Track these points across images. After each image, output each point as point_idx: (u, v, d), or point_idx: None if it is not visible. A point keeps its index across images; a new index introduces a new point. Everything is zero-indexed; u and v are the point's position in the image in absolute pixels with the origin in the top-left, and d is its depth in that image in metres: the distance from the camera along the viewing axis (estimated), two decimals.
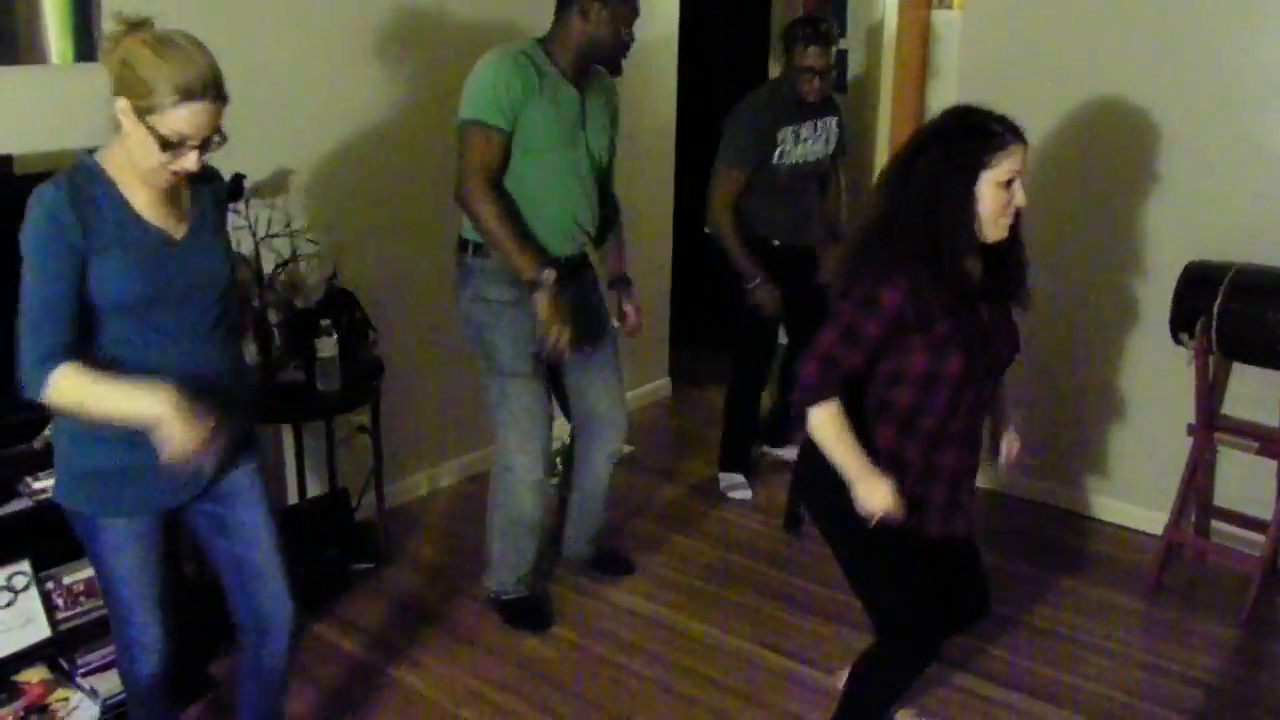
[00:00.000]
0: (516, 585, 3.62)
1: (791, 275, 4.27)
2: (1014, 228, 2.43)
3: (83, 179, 2.11)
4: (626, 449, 3.83)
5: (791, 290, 4.24)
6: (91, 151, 2.16)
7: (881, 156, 5.93)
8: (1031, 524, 4.35)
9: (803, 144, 4.23)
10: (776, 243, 4.29)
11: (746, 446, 4.63)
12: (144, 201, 2.16)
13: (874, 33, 5.93)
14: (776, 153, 4.17)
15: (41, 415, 2.80)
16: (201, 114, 2.05)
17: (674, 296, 5.61)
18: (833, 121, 4.32)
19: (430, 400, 4.47)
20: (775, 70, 6.07)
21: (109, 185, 2.13)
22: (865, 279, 2.38)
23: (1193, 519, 4.04)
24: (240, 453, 2.42)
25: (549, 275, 3.14)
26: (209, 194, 2.32)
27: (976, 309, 2.44)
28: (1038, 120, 4.12)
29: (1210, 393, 3.77)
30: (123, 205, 2.13)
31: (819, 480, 2.53)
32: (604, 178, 3.48)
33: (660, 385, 5.65)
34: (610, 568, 3.92)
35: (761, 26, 6.16)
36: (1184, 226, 3.93)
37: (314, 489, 3.99)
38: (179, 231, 2.22)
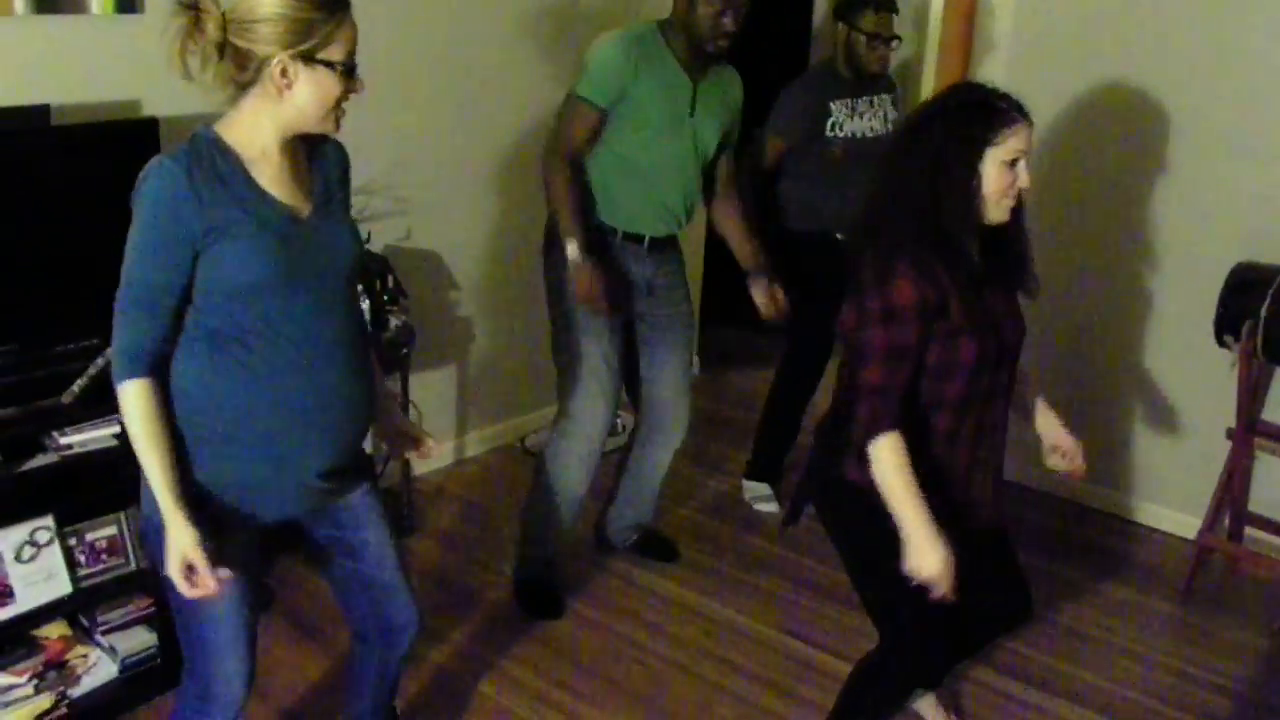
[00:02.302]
0: (535, 566, 3.59)
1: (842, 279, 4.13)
2: (1016, 211, 2.38)
3: (205, 151, 1.92)
4: None
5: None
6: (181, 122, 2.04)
7: None
8: (1063, 523, 4.29)
9: (858, 118, 4.03)
10: (840, 236, 3.97)
11: (781, 455, 4.39)
12: (269, 178, 1.98)
13: (919, 13, 5.82)
14: (829, 123, 3.98)
15: (69, 369, 2.80)
16: (353, 25, 1.93)
17: (705, 276, 5.56)
18: (889, 100, 4.14)
19: (459, 370, 4.44)
20: (817, 55, 5.99)
21: (234, 159, 1.94)
22: (869, 285, 2.30)
23: (1226, 524, 3.98)
24: (357, 473, 2.26)
25: (573, 251, 3.16)
26: (334, 166, 2.16)
27: (981, 293, 2.37)
28: (1088, 106, 4.08)
29: (1252, 397, 3.70)
30: (249, 181, 1.95)
31: (829, 480, 2.51)
32: (709, 167, 3.44)
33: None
34: (653, 551, 3.87)
35: (804, 5, 6.07)
36: (1233, 226, 3.85)
37: None
38: (305, 209, 2.03)
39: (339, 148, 2.19)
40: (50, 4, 2.95)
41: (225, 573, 1.96)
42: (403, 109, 3.93)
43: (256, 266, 1.93)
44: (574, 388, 3.37)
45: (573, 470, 3.44)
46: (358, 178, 3.73)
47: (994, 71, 4.27)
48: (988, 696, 3.22)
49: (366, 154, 3.79)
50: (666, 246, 3.43)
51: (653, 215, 3.34)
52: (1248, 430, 3.70)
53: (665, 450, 3.65)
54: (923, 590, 2.33)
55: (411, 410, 3.88)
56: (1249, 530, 3.99)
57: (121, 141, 2.82)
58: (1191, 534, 3.91)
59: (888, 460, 2.30)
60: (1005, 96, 2.32)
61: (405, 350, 3.69)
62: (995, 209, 2.32)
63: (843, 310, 2.37)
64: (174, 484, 1.93)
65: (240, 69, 1.90)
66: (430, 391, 4.27)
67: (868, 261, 2.32)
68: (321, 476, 2.11)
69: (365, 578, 2.36)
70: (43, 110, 2.84)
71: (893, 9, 3.96)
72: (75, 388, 2.78)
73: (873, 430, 2.29)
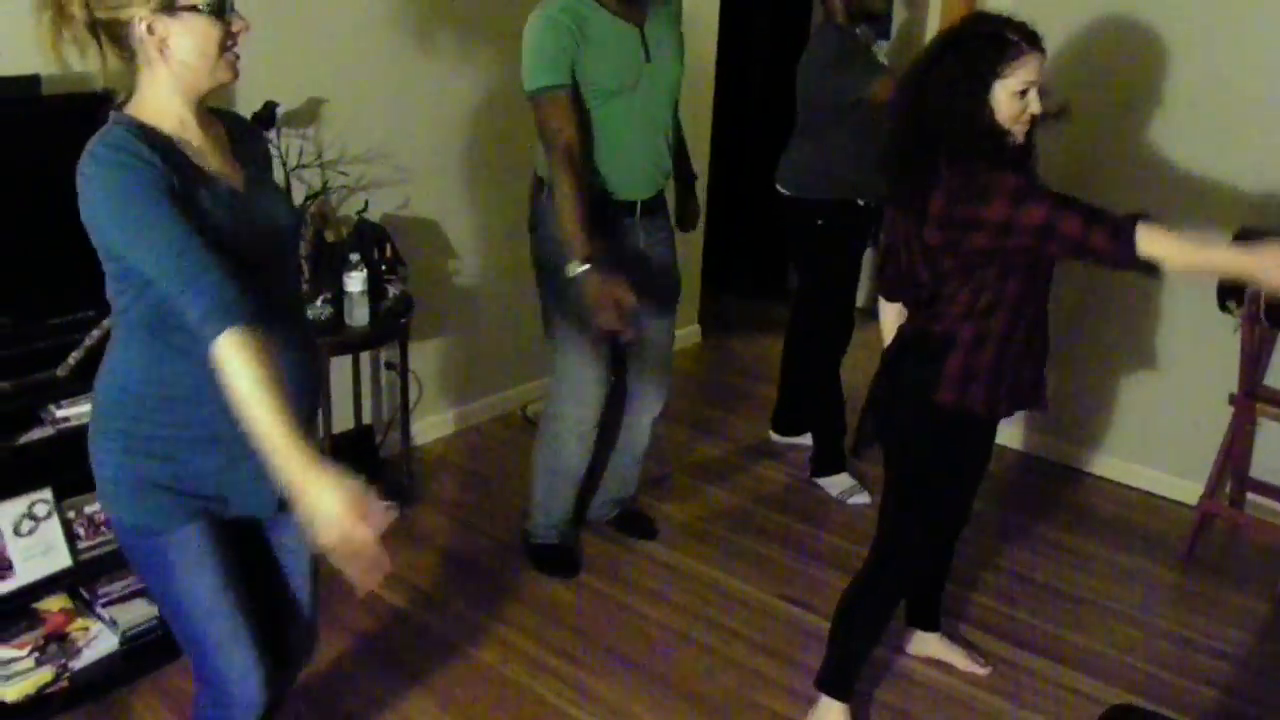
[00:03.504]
0: (549, 531, 3.59)
1: (861, 244, 4.10)
2: (1029, 134, 2.43)
3: (134, 131, 1.81)
4: None
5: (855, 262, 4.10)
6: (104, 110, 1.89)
7: None
8: (1062, 487, 4.29)
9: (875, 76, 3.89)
10: (861, 202, 3.95)
11: (841, 439, 4.18)
12: (197, 151, 1.88)
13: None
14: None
15: (65, 341, 2.79)
16: None
17: (705, 244, 5.53)
18: (882, 48, 4.08)
19: (460, 338, 4.42)
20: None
21: (161, 136, 1.84)
22: (980, 190, 2.30)
23: (1228, 490, 3.97)
24: None
25: (575, 268, 3.01)
26: (255, 140, 2.10)
27: None
28: (1094, 71, 4.04)
29: (1255, 363, 3.68)
30: (181, 156, 1.84)
31: (912, 397, 2.56)
32: (676, 105, 3.35)
33: (690, 332, 5.58)
34: (632, 528, 3.84)
35: None
36: (1238, 189, 3.82)
37: (339, 424, 3.96)
38: (238, 180, 1.94)
39: (250, 122, 2.16)
40: None
41: (385, 503, 1.84)
42: (401, 77, 3.90)
43: (197, 226, 1.80)
44: (567, 363, 3.35)
45: (571, 444, 3.43)
46: (358, 145, 3.76)
47: None
48: (991, 664, 3.21)
49: (365, 122, 3.79)
50: (657, 212, 3.37)
51: (639, 176, 3.27)
52: (1249, 396, 3.69)
53: (648, 414, 3.60)
54: (951, 509, 2.71)
55: (411, 379, 3.86)
56: (1250, 496, 3.98)
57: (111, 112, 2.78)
58: (1193, 500, 3.90)
59: (1157, 233, 2.21)
60: (1018, 26, 2.36)
61: (404, 320, 3.67)
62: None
63: (971, 225, 2.34)
64: (300, 435, 1.74)
65: (119, 44, 1.83)
66: (429, 360, 4.26)
67: (951, 186, 2.34)
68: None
69: (274, 584, 2.24)
70: (33, 80, 2.81)
71: None
72: (71, 360, 2.76)
73: (1125, 231, 2.21)
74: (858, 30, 3.91)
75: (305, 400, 2.08)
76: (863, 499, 4.08)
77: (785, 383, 4.46)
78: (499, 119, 4.22)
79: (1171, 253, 2.20)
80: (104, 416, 1.98)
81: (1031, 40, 2.34)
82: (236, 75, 1.92)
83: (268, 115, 3.28)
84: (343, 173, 3.70)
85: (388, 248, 3.69)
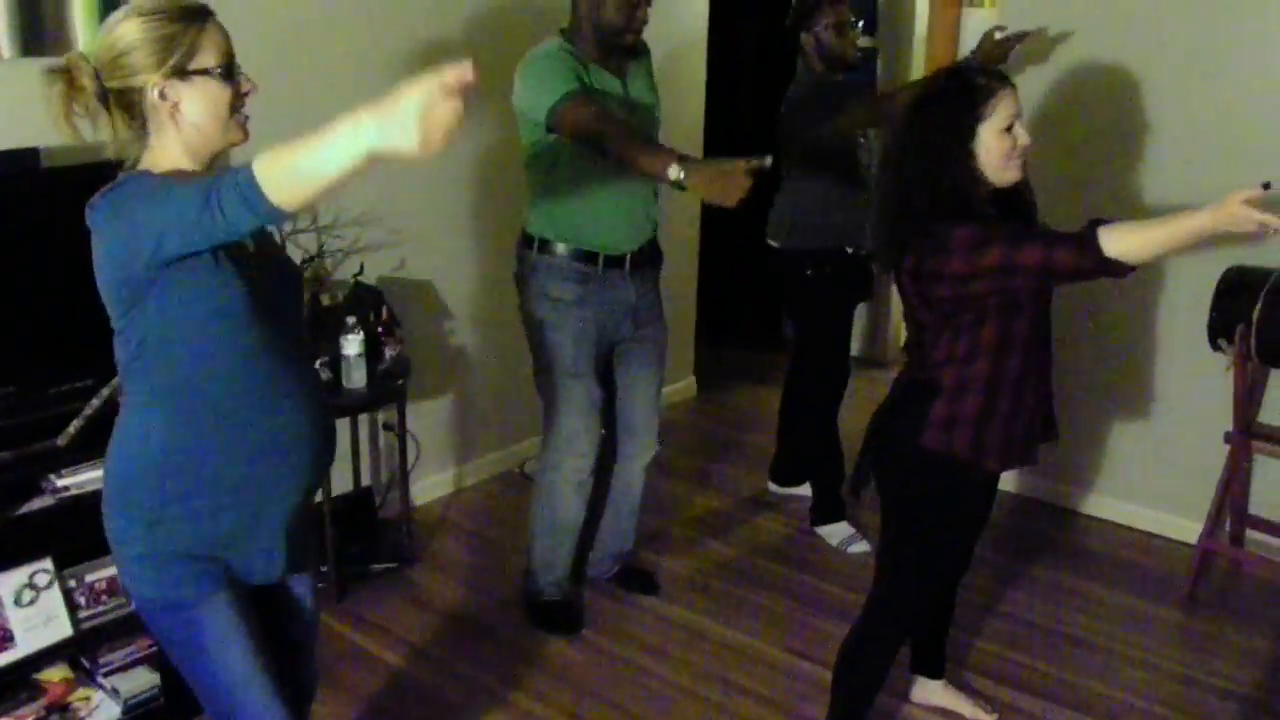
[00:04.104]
0: (551, 588, 3.58)
1: (852, 292, 4.14)
2: (1021, 169, 2.49)
3: None
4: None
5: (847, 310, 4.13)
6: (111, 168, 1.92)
7: None
8: (1061, 530, 4.29)
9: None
10: (850, 250, 4.00)
11: (839, 486, 4.19)
12: None
13: (904, 32, 5.87)
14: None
15: (65, 411, 2.80)
16: (218, 29, 1.87)
17: (700, 295, 5.56)
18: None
19: (456, 398, 4.44)
20: None
21: None
22: (941, 244, 2.36)
23: (1228, 528, 3.98)
24: (311, 548, 2.22)
25: (676, 172, 2.78)
26: None
27: None
28: (1075, 119, 4.10)
29: (1248, 401, 3.70)
30: None
31: (902, 441, 2.57)
32: None
33: (685, 385, 5.60)
34: (634, 584, 3.82)
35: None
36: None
37: (338, 487, 3.96)
38: (249, 243, 1.95)
39: None
40: (38, 47, 2.96)
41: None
42: None
43: (221, 292, 1.85)
44: (559, 415, 3.37)
45: (569, 496, 3.44)
46: (352, 209, 3.79)
47: None
48: (996, 710, 3.20)
49: (358, 185, 3.80)
50: (646, 265, 3.39)
51: (628, 225, 3.29)
52: (1245, 433, 3.70)
53: (638, 463, 3.60)
54: (948, 556, 2.70)
55: (409, 440, 3.87)
56: (1250, 533, 3.99)
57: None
58: (1192, 539, 3.90)
59: (1118, 229, 2.26)
60: (982, 69, 2.48)
61: (401, 381, 3.69)
62: (1005, 172, 2.43)
63: (936, 278, 2.41)
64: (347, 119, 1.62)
65: (129, 112, 1.87)
66: (427, 421, 4.27)
67: (917, 244, 2.41)
68: (298, 505, 2.07)
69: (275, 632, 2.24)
70: (32, 153, 2.84)
71: (842, 0, 3.94)
72: (71, 429, 2.77)
73: (1087, 239, 2.26)
74: (839, 79, 3.97)
75: (319, 455, 2.10)
76: (862, 547, 4.07)
77: (783, 433, 4.48)
78: (491, 180, 4.26)
79: (1136, 243, 2.25)
80: (122, 489, 1.98)
81: (1000, 78, 2.43)
82: (247, 135, 1.97)
83: None
84: (338, 236, 3.73)
85: (384, 310, 3.71)
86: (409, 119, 1.54)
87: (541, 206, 3.28)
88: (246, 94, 1.93)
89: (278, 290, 2.00)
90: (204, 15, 1.87)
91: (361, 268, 3.77)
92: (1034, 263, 2.30)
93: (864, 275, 4.13)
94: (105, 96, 1.86)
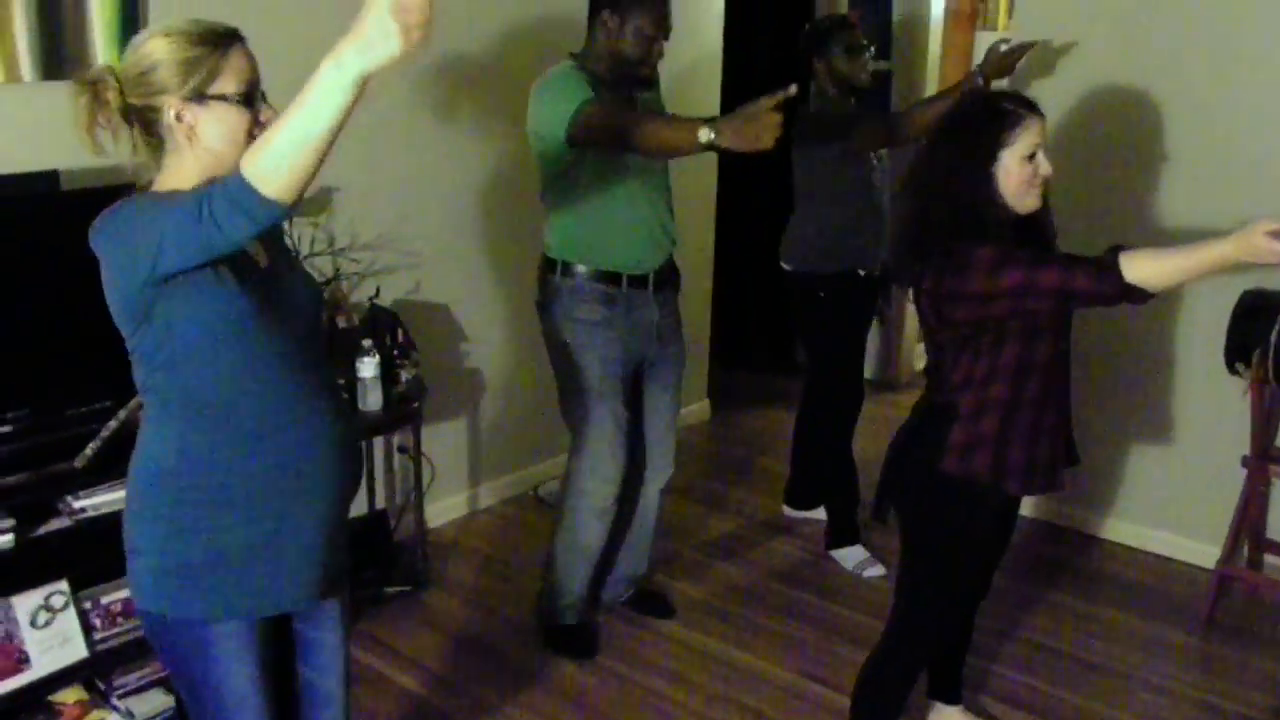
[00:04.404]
0: (566, 612, 3.57)
1: (864, 314, 4.15)
2: (1043, 197, 2.51)
3: None
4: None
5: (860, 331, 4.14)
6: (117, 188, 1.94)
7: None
8: (1077, 554, 4.27)
9: None
10: (862, 272, 4.00)
11: (854, 510, 4.18)
12: None
13: (918, 54, 5.88)
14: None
15: (82, 432, 2.80)
16: (243, 55, 1.87)
17: (714, 318, 5.57)
18: None
19: (471, 421, 4.44)
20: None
21: None
22: (962, 264, 2.36)
23: (1245, 552, 3.95)
24: (341, 572, 2.18)
25: (706, 134, 2.78)
26: (276, 226, 2.07)
27: None
28: (1089, 140, 4.09)
29: (1266, 424, 3.68)
30: None
31: (921, 466, 2.56)
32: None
33: (700, 407, 5.59)
34: (648, 608, 3.80)
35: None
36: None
37: (353, 509, 3.95)
38: (262, 258, 1.97)
39: None
40: (58, 70, 2.98)
41: None
42: (410, 163, 3.96)
43: (228, 307, 1.85)
44: (587, 448, 3.37)
45: (592, 522, 3.44)
46: (367, 233, 3.80)
47: None
48: None
49: (375, 208, 3.83)
50: (667, 285, 3.41)
51: (649, 243, 3.30)
52: (1262, 457, 3.68)
53: (654, 486, 3.60)
54: (967, 581, 2.68)
55: (424, 463, 3.87)
56: (1268, 558, 3.96)
57: None
58: (1210, 563, 3.88)
59: (1139, 257, 2.27)
60: (1013, 96, 2.48)
61: (416, 404, 3.69)
62: (1024, 200, 2.44)
63: (955, 299, 2.41)
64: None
65: (149, 129, 1.88)
66: (442, 444, 4.27)
67: (936, 264, 2.41)
68: (322, 530, 2.05)
69: (306, 681, 2.24)
70: (51, 176, 2.86)
71: (854, 24, 3.99)
72: (88, 451, 2.78)
73: (1107, 264, 2.27)
74: (851, 103, 3.98)
75: (341, 473, 2.08)
76: (878, 571, 4.06)
77: (797, 456, 4.47)
78: (508, 203, 4.28)
79: (1156, 271, 2.27)
80: (141, 502, 1.97)
81: (1029, 106, 2.43)
82: None
83: None
84: (354, 260, 3.74)
85: (399, 332, 3.72)
86: (384, 23, 1.50)
87: (562, 229, 3.28)
88: (266, 122, 1.91)
89: (292, 305, 1.99)
90: (230, 40, 1.87)
91: (377, 291, 3.78)
92: (1053, 285, 2.30)
93: (875, 298, 4.13)
94: (128, 112, 1.87)
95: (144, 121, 1.87)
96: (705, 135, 2.74)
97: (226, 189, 1.63)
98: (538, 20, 4.22)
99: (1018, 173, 2.40)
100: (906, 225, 2.55)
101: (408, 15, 1.50)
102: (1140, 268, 2.25)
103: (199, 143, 1.87)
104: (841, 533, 4.19)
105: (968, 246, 2.36)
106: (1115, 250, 2.29)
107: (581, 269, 3.26)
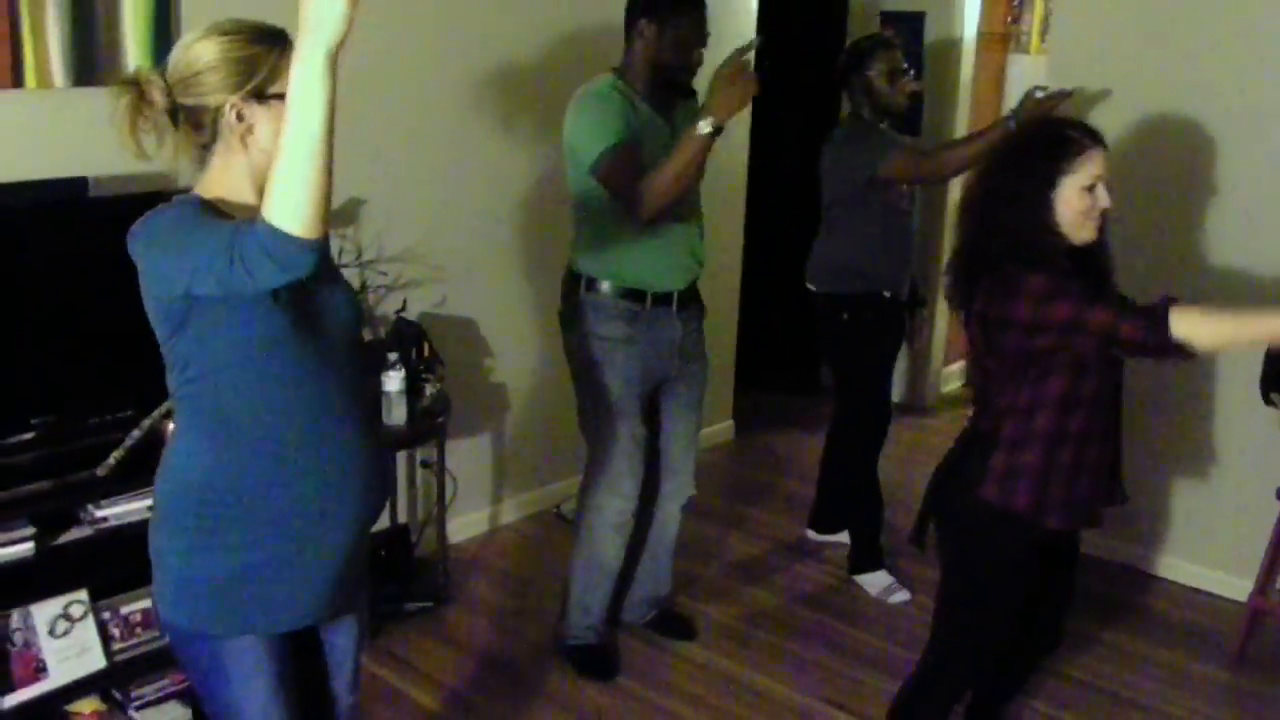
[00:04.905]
0: (587, 631, 3.53)
1: (890, 335, 4.11)
2: (1101, 230, 2.47)
3: (196, 208, 1.82)
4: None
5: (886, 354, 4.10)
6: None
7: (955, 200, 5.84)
8: (1106, 585, 4.20)
9: None
10: (887, 294, 3.99)
11: (878, 534, 4.16)
12: None
13: (950, 76, 5.85)
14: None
15: (105, 440, 2.79)
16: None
17: (739, 339, 5.53)
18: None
19: (495, 436, 4.41)
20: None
21: (223, 215, 1.83)
22: (1013, 291, 2.35)
23: (1278, 586, 3.88)
24: (364, 576, 2.17)
25: (703, 126, 2.96)
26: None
27: None
28: (1126, 165, 4.04)
29: None
30: None
31: (962, 492, 2.53)
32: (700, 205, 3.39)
33: (723, 428, 5.56)
34: (670, 629, 3.75)
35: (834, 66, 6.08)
36: (1276, 282, 3.80)
37: (375, 525, 3.93)
38: None
39: None
40: (89, 76, 2.98)
41: None
42: (439, 175, 3.95)
43: (264, 322, 1.82)
44: (603, 464, 3.34)
45: (610, 536, 3.40)
46: (394, 245, 3.79)
47: None
48: None
49: (402, 221, 3.82)
50: (691, 303, 3.38)
51: (675, 264, 3.28)
52: None
53: (675, 504, 3.56)
54: (1003, 613, 2.59)
55: (447, 479, 3.84)
56: None
57: None
58: (1242, 596, 3.82)
59: (1191, 313, 2.25)
60: (1079, 125, 2.46)
61: (441, 418, 3.67)
62: (1080, 230, 2.41)
63: (1003, 325, 2.40)
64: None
65: (197, 129, 1.85)
66: (465, 459, 4.24)
67: (986, 286, 2.41)
68: (345, 551, 2.02)
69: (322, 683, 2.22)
70: (80, 183, 2.85)
71: (896, 45, 3.97)
72: (111, 459, 2.76)
73: (1157, 316, 2.24)
74: (882, 125, 3.96)
75: (370, 491, 2.05)
76: (902, 596, 4.01)
77: (824, 479, 4.42)
78: (535, 217, 4.26)
79: (1207, 332, 2.26)
80: (168, 511, 1.95)
81: (1094, 137, 2.41)
82: None
83: None
84: (381, 272, 3.73)
85: (425, 346, 3.70)
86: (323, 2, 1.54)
87: (588, 244, 3.26)
88: None
89: (332, 320, 1.96)
90: (284, 39, 1.84)
91: (404, 304, 3.77)
92: (1101, 326, 2.28)
93: (902, 320, 4.10)
94: (175, 113, 1.84)
95: (192, 121, 1.84)
96: (705, 128, 2.93)
97: (256, 236, 1.60)
98: (572, 31, 4.21)
99: (1076, 202, 2.38)
100: (961, 246, 2.53)
101: None
102: (1191, 325, 2.22)
103: (254, 143, 1.84)
104: (865, 557, 4.15)
105: (1019, 271, 2.34)
106: (1167, 301, 2.26)
107: (606, 285, 3.24)
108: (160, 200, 1.90)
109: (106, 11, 3.00)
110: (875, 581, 4.09)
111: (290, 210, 1.58)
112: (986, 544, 2.56)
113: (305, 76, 1.56)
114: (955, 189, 4.87)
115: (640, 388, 3.30)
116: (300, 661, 2.10)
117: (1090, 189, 2.38)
